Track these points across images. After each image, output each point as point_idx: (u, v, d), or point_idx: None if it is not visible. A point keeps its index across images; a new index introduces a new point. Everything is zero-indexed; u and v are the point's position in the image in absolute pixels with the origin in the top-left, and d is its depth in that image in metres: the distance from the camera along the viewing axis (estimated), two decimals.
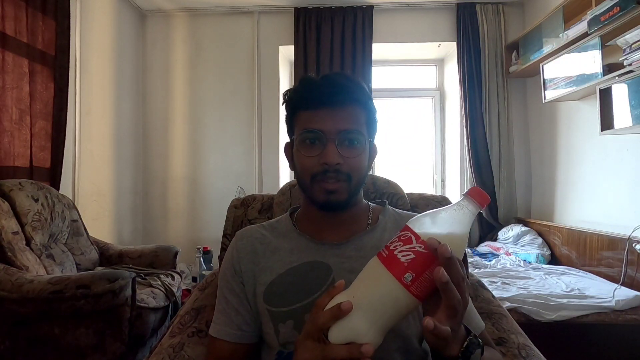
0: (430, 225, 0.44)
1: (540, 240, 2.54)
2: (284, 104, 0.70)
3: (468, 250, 2.68)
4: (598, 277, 1.98)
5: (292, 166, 0.71)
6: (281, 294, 0.65)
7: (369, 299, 0.44)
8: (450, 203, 0.99)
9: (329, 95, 0.63)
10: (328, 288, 0.63)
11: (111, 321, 1.45)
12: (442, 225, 0.44)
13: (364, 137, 0.65)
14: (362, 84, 0.67)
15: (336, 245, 0.67)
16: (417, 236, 0.44)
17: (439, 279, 0.41)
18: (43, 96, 2.06)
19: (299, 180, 0.68)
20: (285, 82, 3.28)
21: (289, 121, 0.70)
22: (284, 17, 3.08)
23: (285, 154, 0.73)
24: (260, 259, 0.69)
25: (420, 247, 0.43)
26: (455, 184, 3.18)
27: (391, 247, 0.45)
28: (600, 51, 1.91)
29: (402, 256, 0.43)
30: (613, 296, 1.65)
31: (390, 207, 0.76)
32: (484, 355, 0.52)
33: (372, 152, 0.70)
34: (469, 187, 3.01)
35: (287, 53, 3.21)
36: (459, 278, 0.43)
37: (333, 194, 0.63)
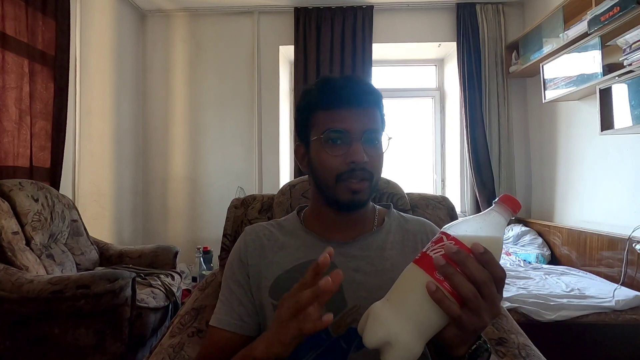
0: (469, 231, 0.44)
1: (540, 240, 2.54)
2: (300, 105, 0.70)
3: None
4: (598, 277, 1.98)
5: (306, 167, 0.71)
6: (287, 289, 0.65)
7: (404, 301, 0.44)
8: (450, 203, 1.00)
9: (352, 95, 0.64)
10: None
11: (111, 321, 1.45)
12: (479, 231, 0.44)
13: (382, 137, 0.67)
14: (375, 87, 0.69)
15: (342, 244, 0.69)
16: (448, 235, 0.44)
17: (428, 288, 0.41)
18: (43, 96, 2.06)
19: (319, 180, 0.68)
20: (285, 82, 3.28)
21: (304, 122, 0.69)
22: (284, 17, 3.08)
23: (296, 156, 0.73)
24: (267, 254, 0.70)
25: (451, 243, 0.43)
26: (455, 184, 3.18)
27: (424, 250, 0.45)
28: (600, 51, 1.91)
29: (434, 253, 0.43)
30: (613, 296, 1.65)
31: (395, 210, 0.78)
32: None
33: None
34: (469, 187, 3.03)
35: (287, 53, 3.21)
36: (468, 293, 0.41)
37: (357, 193, 0.64)
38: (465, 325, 0.42)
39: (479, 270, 0.41)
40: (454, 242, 0.43)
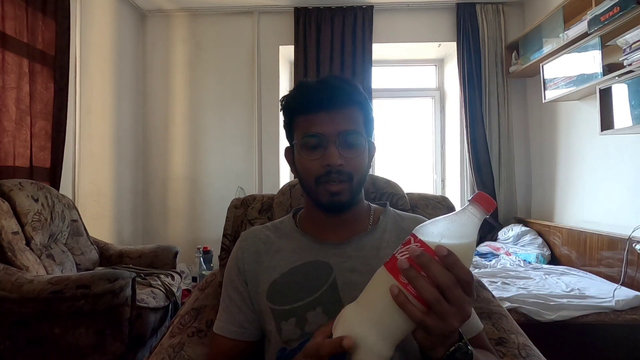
0: (435, 233, 0.43)
1: (540, 240, 2.54)
2: (283, 110, 0.71)
3: None
4: (598, 277, 1.98)
5: (294, 170, 0.71)
6: (284, 292, 0.66)
7: (372, 305, 0.43)
8: (450, 203, 1.00)
9: (326, 98, 0.64)
10: (329, 287, 0.65)
11: (111, 321, 1.45)
12: (447, 232, 0.43)
13: (362, 137, 0.66)
14: (357, 85, 0.68)
15: (337, 245, 0.69)
16: (415, 237, 0.43)
17: (391, 292, 0.40)
18: (43, 96, 2.06)
19: (302, 183, 0.69)
20: (285, 82, 3.28)
21: (288, 126, 0.71)
22: (284, 17, 3.08)
23: (286, 159, 0.74)
24: (263, 259, 0.71)
25: (417, 245, 0.42)
26: (455, 184, 3.18)
27: (394, 253, 0.45)
28: (600, 51, 1.91)
29: (400, 256, 0.43)
30: (613, 296, 1.65)
31: (391, 208, 0.77)
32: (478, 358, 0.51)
33: (371, 150, 0.71)
34: (469, 187, 3.02)
35: (287, 53, 3.21)
36: (430, 297, 0.40)
37: (337, 195, 0.64)
38: (431, 330, 0.41)
39: (441, 273, 0.40)
40: (419, 245, 0.42)
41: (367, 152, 0.68)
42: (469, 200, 0.45)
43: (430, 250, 0.41)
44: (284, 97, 0.71)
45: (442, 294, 0.40)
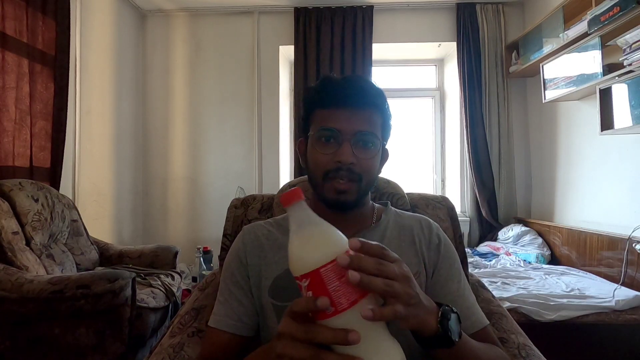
0: (315, 248, 0.41)
1: (540, 240, 2.54)
2: (303, 101, 0.72)
3: (468, 250, 2.68)
4: (598, 277, 1.98)
5: (304, 163, 0.72)
6: (287, 288, 0.66)
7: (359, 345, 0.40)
8: (450, 203, 1.00)
9: (348, 96, 0.64)
10: None
11: (111, 321, 1.45)
12: (316, 238, 0.42)
13: (378, 140, 0.67)
14: (381, 90, 0.68)
15: None
16: (322, 266, 0.40)
17: (366, 317, 0.39)
18: (43, 96, 2.06)
19: (310, 176, 0.70)
20: (285, 82, 3.28)
21: (306, 118, 0.71)
22: (284, 17, 3.08)
23: (298, 150, 0.75)
24: (266, 254, 0.70)
25: (329, 266, 0.40)
26: (455, 184, 3.18)
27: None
28: (600, 51, 1.91)
29: (333, 285, 0.40)
30: (613, 296, 1.65)
31: (392, 207, 0.79)
32: (481, 346, 0.53)
33: (384, 156, 0.71)
34: (469, 187, 3.02)
35: (287, 53, 3.21)
36: (369, 267, 0.40)
37: (343, 194, 0.65)
38: (406, 310, 0.42)
39: (368, 261, 0.41)
40: (331, 264, 0.40)
41: (380, 157, 0.69)
42: (283, 208, 0.44)
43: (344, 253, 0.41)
44: (306, 88, 0.72)
45: (384, 277, 0.41)
